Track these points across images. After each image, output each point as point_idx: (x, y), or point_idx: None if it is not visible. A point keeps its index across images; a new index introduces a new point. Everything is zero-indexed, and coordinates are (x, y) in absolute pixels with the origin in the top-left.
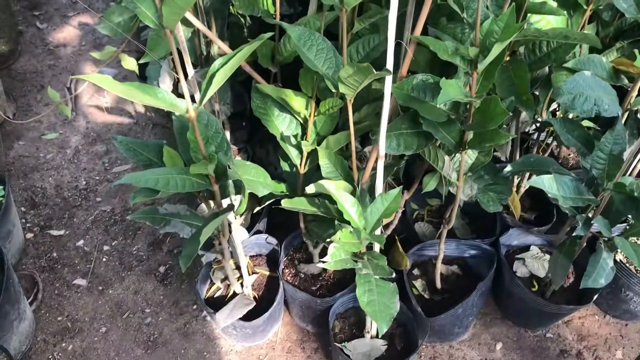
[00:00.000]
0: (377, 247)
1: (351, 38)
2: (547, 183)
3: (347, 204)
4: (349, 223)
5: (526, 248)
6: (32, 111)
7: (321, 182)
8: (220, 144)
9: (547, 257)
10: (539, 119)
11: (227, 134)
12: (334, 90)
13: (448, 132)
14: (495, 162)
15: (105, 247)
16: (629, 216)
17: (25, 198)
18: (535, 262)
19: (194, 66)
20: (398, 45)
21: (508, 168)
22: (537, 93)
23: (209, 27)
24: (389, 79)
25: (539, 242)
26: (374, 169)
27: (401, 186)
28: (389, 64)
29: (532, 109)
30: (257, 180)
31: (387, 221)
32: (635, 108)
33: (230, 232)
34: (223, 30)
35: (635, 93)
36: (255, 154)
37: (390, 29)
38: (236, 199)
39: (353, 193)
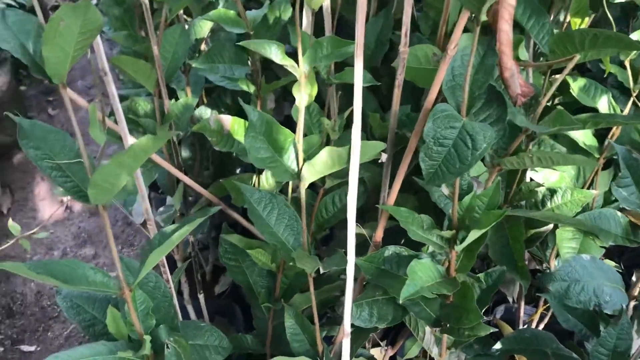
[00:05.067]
0: None
1: (323, 192)
2: None
3: None
4: None
5: None
6: (27, 206)
7: None
8: (165, 313)
9: None
10: (547, 269)
11: (209, 261)
12: (291, 264)
13: (427, 306)
14: (503, 301)
15: None
16: None
17: (2, 305)
18: None
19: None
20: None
21: (497, 346)
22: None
23: (194, 158)
24: (351, 257)
25: None
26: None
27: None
28: (350, 247)
29: (527, 279)
30: (210, 344)
31: None
32: None
33: None
34: (208, 154)
35: None
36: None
37: (350, 211)
38: None
39: None
